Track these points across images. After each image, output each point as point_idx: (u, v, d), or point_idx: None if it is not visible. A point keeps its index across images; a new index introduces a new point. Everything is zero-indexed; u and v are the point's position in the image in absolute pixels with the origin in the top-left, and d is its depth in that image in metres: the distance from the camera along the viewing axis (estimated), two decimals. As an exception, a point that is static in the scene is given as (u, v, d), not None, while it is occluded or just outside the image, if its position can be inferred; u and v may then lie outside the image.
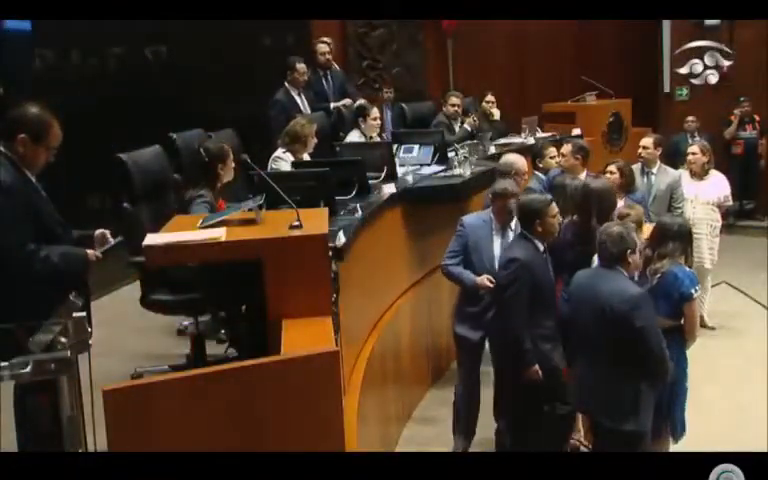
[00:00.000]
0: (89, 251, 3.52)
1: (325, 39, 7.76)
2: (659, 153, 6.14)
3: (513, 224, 4.42)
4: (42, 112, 3.44)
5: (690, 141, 8.08)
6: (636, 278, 3.86)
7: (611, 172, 5.20)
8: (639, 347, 3.51)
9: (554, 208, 4.16)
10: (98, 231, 3.67)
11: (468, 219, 4.58)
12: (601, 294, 3.60)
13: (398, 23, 10.10)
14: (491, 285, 4.31)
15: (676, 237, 3.91)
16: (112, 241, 3.67)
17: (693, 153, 6.28)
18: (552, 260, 4.26)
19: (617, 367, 3.59)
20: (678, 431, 3.98)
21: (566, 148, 5.71)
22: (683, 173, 6.26)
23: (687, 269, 3.92)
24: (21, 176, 3.37)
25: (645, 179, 6.00)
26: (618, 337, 3.54)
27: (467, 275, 4.45)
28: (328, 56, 7.63)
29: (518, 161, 5.19)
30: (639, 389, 3.58)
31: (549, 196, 4.32)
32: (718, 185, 6.32)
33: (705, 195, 6.21)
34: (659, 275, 3.85)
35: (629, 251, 3.61)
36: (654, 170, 6.04)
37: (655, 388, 3.70)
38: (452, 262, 4.52)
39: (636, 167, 6.01)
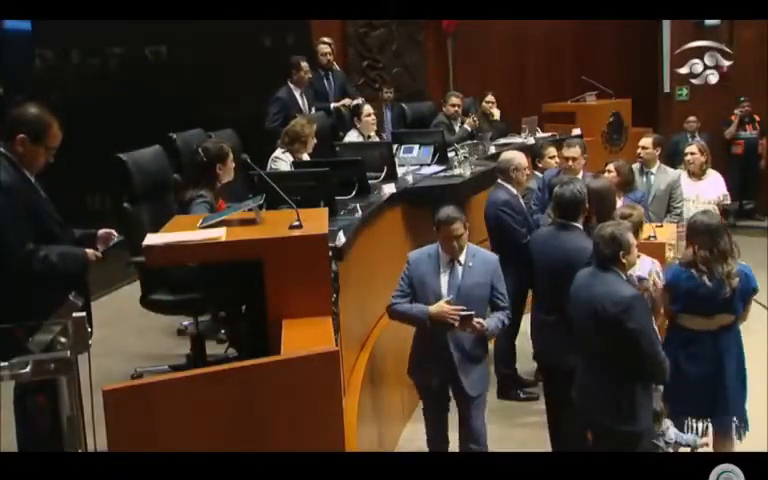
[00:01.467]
0: (89, 251, 3.52)
1: (326, 39, 7.76)
2: (659, 153, 6.14)
3: (462, 256, 3.99)
4: (41, 112, 3.44)
5: (690, 141, 8.08)
6: (708, 282, 3.87)
7: (609, 171, 5.21)
8: (633, 349, 3.52)
9: None
10: (102, 230, 3.69)
11: (413, 255, 4.10)
12: (596, 295, 3.61)
13: (398, 23, 10.11)
14: (454, 312, 3.82)
15: (722, 232, 3.94)
16: (116, 239, 3.68)
17: (692, 153, 6.28)
18: None
19: (613, 368, 3.59)
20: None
21: (576, 151, 5.62)
22: (681, 173, 6.27)
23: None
24: (20, 176, 3.38)
25: (644, 179, 6.01)
26: (612, 338, 3.56)
27: (417, 309, 3.93)
28: (329, 57, 7.64)
29: (516, 157, 5.18)
30: (635, 390, 3.59)
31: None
32: (716, 184, 6.33)
33: (707, 195, 6.22)
34: (737, 277, 3.89)
35: (622, 252, 3.61)
36: (653, 170, 6.04)
37: (651, 389, 3.72)
38: (398, 302, 4.02)
39: (635, 167, 6.01)
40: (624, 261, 3.62)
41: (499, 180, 5.17)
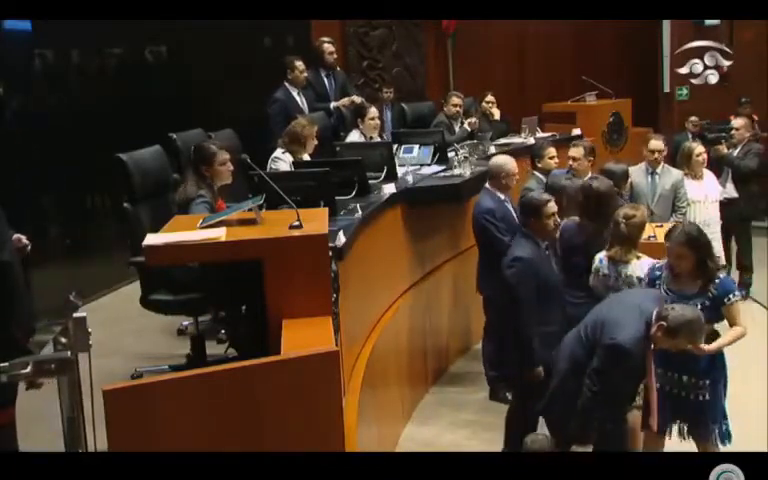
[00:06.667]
0: None
1: (328, 39, 7.75)
2: (665, 153, 6.18)
3: None
4: None
5: (692, 140, 8.07)
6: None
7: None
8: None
9: (551, 208, 4.16)
10: (15, 236, 3.59)
11: None
12: None
13: (398, 23, 10.10)
14: None
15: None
16: (26, 246, 3.63)
17: (699, 153, 6.27)
18: (562, 262, 4.28)
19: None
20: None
21: (578, 151, 5.59)
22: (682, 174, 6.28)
23: None
24: None
25: (649, 179, 6.01)
26: None
27: None
28: (335, 56, 7.65)
29: (508, 163, 5.10)
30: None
31: (547, 196, 4.30)
32: (715, 182, 6.37)
33: (713, 194, 6.24)
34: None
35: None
36: (658, 170, 6.04)
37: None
38: None
39: (638, 168, 6.02)
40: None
41: (487, 185, 5.10)
